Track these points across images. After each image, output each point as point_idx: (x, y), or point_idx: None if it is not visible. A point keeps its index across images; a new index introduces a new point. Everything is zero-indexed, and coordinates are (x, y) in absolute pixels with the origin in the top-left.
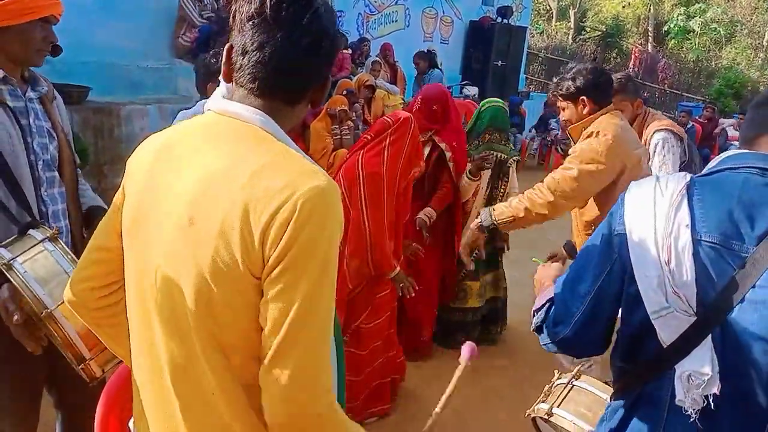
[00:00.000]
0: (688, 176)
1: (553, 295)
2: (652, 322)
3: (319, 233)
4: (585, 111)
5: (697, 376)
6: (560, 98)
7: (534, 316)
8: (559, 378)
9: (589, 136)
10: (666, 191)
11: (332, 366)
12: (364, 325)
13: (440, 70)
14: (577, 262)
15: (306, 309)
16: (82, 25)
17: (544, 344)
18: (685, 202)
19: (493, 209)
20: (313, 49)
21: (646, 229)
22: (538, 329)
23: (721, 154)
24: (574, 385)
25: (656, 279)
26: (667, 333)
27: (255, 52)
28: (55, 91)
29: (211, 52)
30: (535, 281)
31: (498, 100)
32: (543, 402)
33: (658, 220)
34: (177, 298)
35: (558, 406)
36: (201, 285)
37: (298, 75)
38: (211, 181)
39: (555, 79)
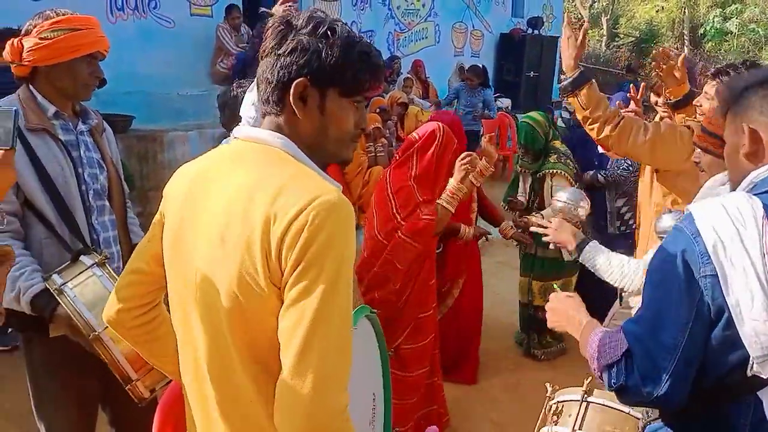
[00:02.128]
0: (755, 198)
1: (625, 348)
2: (755, 363)
3: (334, 237)
4: None
5: None
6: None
7: (605, 372)
8: (555, 393)
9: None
10: (745, 220)
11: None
12: (405, 346)
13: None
14: (650, 306)
15: (322, 312)
16: (125, 56)
17: (636, 402)
18: None
19: (591, 84)
20: (278, 49)
21: (744, 269)
22: (622, 389)
23: (761, 170)
24: (589, 402)
25: None
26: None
27: (263, 79)
28: (105, 123)
29: (233, 86)
30: (553, 312)
31: (530, 115)
32: (555, 424)
33: (753, 255)
34: (213, 311)
35: (580, 429)
36: (232, 297)
37: (275, 81)
38: (239, 200)
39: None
